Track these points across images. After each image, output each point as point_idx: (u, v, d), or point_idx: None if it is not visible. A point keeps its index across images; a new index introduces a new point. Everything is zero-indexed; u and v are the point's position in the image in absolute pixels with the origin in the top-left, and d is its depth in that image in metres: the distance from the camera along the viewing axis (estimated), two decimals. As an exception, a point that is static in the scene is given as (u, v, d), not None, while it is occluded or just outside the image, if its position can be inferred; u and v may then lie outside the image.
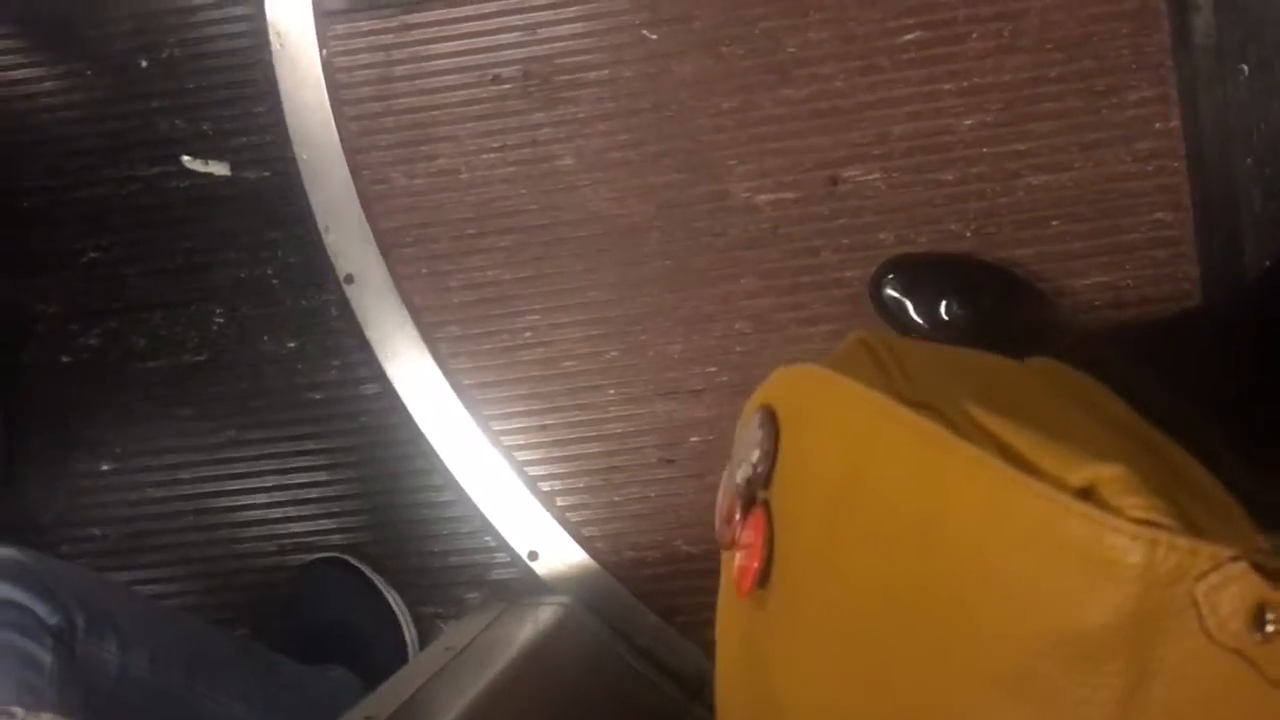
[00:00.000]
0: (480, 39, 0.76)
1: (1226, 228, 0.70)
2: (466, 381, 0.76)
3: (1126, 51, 0.71)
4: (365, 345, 0.76)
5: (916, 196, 0.73)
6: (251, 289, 0.78)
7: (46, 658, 0.48)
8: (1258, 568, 0.26)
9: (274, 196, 0.78)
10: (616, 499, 0.76)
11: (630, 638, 0.73)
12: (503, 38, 0.76)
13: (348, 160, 0.77)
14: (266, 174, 0.78)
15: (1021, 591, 0.28)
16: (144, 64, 0.79)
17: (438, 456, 0.76)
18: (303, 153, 0.77)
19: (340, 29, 0.77)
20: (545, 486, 0.76)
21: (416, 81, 0.77)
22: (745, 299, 0.75)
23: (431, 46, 0.76)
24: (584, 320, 0.76)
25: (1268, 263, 0.68)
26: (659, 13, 0.75)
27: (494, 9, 0.75)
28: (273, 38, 0.77)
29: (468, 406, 0.76)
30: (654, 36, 0.75)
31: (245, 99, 0.78)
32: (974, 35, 0.72)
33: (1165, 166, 0.71)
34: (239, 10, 0.77)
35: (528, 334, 0.76)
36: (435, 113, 0.76)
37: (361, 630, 0.72)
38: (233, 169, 0.78)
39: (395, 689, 0.53)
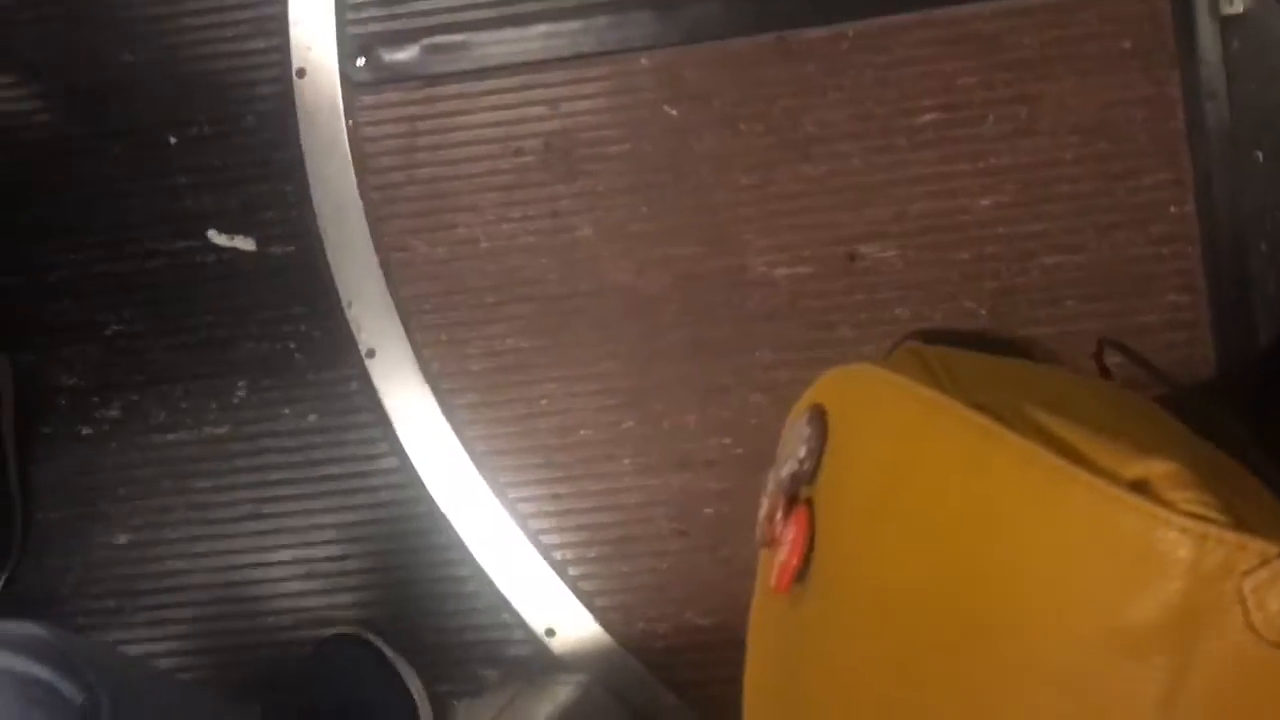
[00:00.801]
0: (503, 112, 0.77)
1: (1241, 312, 0.70)
2: (482, 449, 0.76)
3: (1142, 136, 0.71)
4: (385, 420, 0.77)
5: (933, 274, 0.74)
6: (274, 362, 0.79)
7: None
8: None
9: (298, 271, 0.78)
10: (628, 569, 0.76)
11: (649, 717, 0.73)
12: (525, 111, 0.77)
13: (370, 230, 0.78)
14: (291, 249, 0.79)
15: (1070, 584, 0.27)
16: (173, 141, 0.80)
17: (454, 531, 0.76)
18: (327, 227, 0.78)
19: (367, 100, 0.78)
20: (558, 555, 0.76)
21: (440, 152, 0.78)
22: (761, 371, 0.75)
23: (455, 119, 0.77)
24: (600, 390, 0.76)
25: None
26: (679, 89, 0.76)
27: (517, 83, 0.77)
28: (300, 112, 0.78)
29: (484, 475, 0.76)
30: (674, 112, 0.76)
31: (272, 175, 0.78)
32: (991, 118, 0.73)
33: (1180, 250, 0.71)
34: (268, 88, 0.78)
35: (544, 402, 0.76)
36: (457, 183, 0.77)
37: (376, 707, 0.72)
38: (258, 244, 0.79)
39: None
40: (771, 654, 0.39)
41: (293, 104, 0.78)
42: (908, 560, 0.31)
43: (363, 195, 0.78)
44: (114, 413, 0.80)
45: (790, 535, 0.36)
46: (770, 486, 0.38)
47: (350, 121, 0.78)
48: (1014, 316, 0.73)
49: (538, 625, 0.75)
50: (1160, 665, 0.26)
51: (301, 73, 0.78)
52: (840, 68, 0.74)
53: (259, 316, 0.79)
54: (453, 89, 0.77)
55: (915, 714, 0.31)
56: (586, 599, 0.75)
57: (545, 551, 0.76)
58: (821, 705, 0.35)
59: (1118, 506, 0.27)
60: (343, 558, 0.77)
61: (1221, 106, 0.70)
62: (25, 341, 0.80)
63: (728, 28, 0.75)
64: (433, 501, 0.76)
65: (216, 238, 0.79)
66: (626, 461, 0.76)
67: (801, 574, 0.36)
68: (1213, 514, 0.26)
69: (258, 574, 0.78)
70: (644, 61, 0.76)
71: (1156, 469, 0.27)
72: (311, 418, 0.78)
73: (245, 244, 0.79)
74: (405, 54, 0.77)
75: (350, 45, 0.78)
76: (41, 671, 0.48)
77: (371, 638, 0.74)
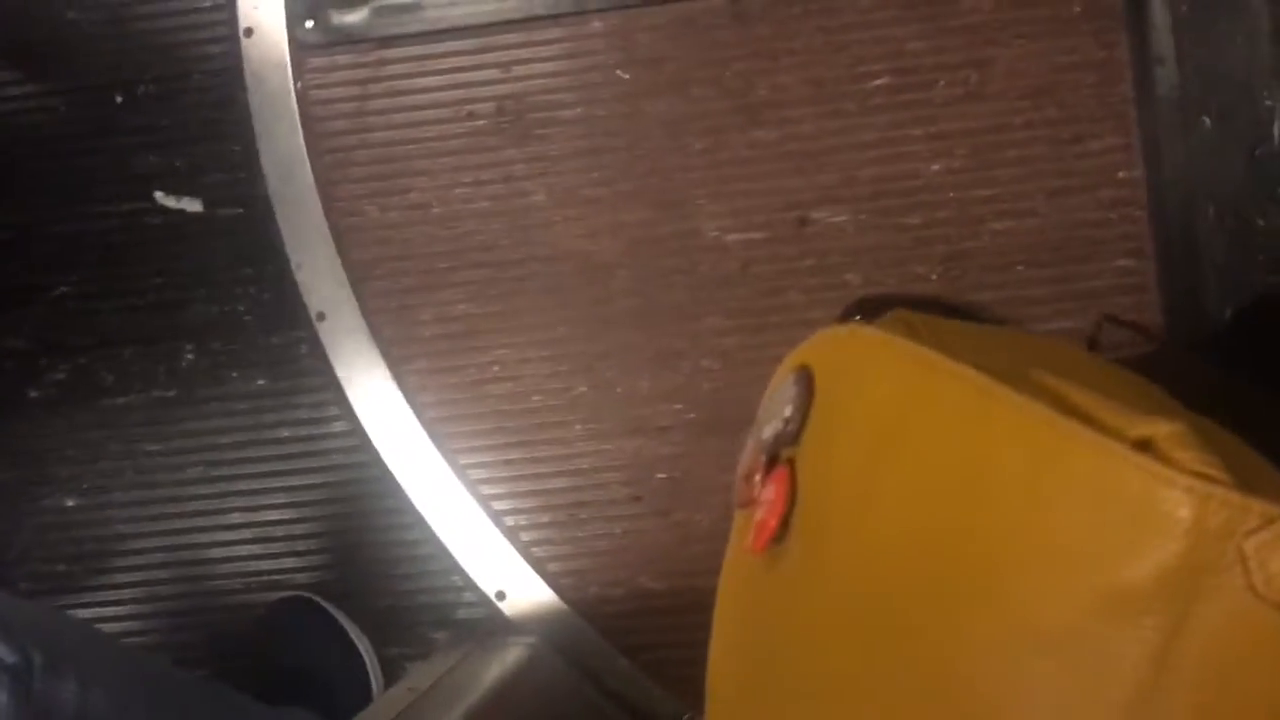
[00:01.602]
0: (456, 75, 0.76)
1: (1189, 276, 0.71)
2: (433, 414, 0.76)
3: (1092, 101, 0.72)
4: (335, 383, 0.76)
5: (883, 239, 0.74)
6: (223, 326, 0.78)
7: (1, 696, 0.48)
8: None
9: (247, 233, 0.78)
10: (581, 535, 0.76)
11: (600, 680, 0.74)
12: (477, 74, 0.76)
13: (320, 194, 0.77)
14: (240, 210, 0.78)
15: (1067, 545, 0.27)
16: (119, 100, 0.79)
17: (405, 495, 0.76)
18: (276, 188, 0.77)
19: (316, 62, 0.77)
20: (510, 521, 0.76)
21: (391, 115, 0.77)
22: (713, 337, 0.75)
23: (407, 81, 0.77)
24: (552, 355, 0.76)
25: (1229, 311, 0.69)
26: (633, 54, 0.75)
27: (470, 46, 0.76)
28: (248, 73, 0.77)
29: (435, 442, 0.76)
30: (627, 76, 0.76)
31: (220, 135, 0.78)
32: (941, 83, 0.73)
33: (1128, 214, 0.72)
34: (215, 47, 0.78)
35: (496, 368, 0.76)
36: (409, 147, 0.77)
37: (326, 671, 0.72)
38: (206, 205, 0.78)
39: (357, 733, 0.53)
40: (743, 615, 0.39)
41: (240, 64, 0.77)
42: (897, 521, 0.31)
43: (312, 158, 0.77)
44: (61, 376, 0.79)
45: (769, 496, 0.36)
46: (750, 446, 0.38)
47: (299, 84, 0.77)
48: (964, 281, 0.74)
49: (488, 588, 0.75)
50: (1153, 626, 0.26)
51: (249, 32, 0.77)
52: (792, 31, 0.74)
53: (208, 279, 0.78)
54: (404, 51, 0.76)
55: (895, 677, 0.31)
56: (538, 564, 0.76)
57: (496, 516, 0.76)
58: (796, 667, 0.34)
59: (1121, 464, 0.26)
60: (293, 521, 0.77)
61: (1170, 72, 0.70)
62: (-31, 304, 0.79)
63: (681, -9, 0.75)
64: (384, 466, 0.76)
65: (164, 199, 0.78)
66: (578, 427, 0.76)
67: (780, 535, 0.35)
68: (1217, 473, 0.26)
69: (207, 538, 0.78)
70: (597, 24, 0.76)
71: (1161, 429, 0.27)
72: (261, 381, 0.78)
73: (192, 205, 0.78)
74: (355, 16, 0.77)
75: (299, 6, 0.77)
76: None
77: (322, 601, 0.74)
